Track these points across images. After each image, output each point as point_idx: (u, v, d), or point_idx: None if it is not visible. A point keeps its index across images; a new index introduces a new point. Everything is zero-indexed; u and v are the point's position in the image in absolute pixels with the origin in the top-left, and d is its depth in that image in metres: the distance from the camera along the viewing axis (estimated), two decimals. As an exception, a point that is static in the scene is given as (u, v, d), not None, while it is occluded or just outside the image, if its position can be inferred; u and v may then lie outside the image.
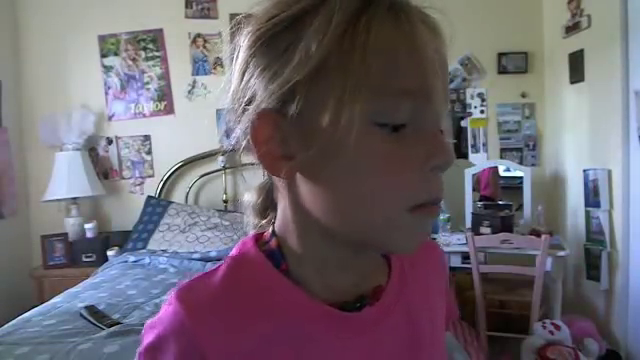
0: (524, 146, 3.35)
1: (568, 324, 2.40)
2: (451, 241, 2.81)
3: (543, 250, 2.45)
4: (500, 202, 3.16)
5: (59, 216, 3.18)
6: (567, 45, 2.91)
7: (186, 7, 3.31)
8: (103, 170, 3.35)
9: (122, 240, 3.06)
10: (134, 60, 3.33)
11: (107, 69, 3.33)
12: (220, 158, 3.25)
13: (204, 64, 3.35)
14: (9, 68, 3.19)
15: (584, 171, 2.74)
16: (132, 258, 2.72)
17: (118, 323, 1.77)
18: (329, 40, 0.42)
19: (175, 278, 2.42)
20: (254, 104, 0.46)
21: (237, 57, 0.48)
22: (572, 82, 2.89)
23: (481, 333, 2.56)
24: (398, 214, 0.45)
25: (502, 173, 3.26)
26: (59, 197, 3.07)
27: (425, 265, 0.59)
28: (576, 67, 2.82)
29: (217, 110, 3.36)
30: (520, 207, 3.04)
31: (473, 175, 3.12)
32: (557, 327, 2.35)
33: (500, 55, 3.29)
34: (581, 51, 2.77)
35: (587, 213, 2.73)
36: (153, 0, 3.31)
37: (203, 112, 3.35)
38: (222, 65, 3.34)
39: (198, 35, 3.33)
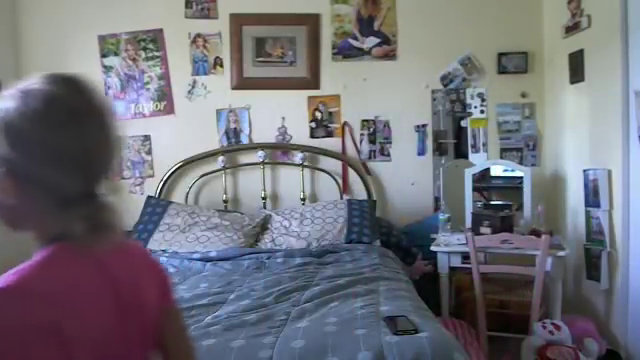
0: (524, 146, 3.35)
1: (568, 324, 2.40)
2: (451, 241, 2.81)
3: (543, 250, 2.45)
4: (500, 202, 3.16)
5: (59, 216, 3.17)
6: (567, 45, 2.91)
7: (186, 7, 3.31)
8: (103, 170, 3.35)
9: (122, 240, 3.05)
10: (134, 60, 3.33)
11: (107, 69, 3.33)
12: (220, 158, 3.25)
13: (204, 64, 3.35)
14: (9, 68, 3.18)
15: (584, 171, 2.74)
16: (132, 258, 2.71)
17: (118, 323, 1.77)
18: None
19: (175, 278, 2.42)
20: None
21: None
22: (572, 82, 2.89)
23: (481, 333, 2.56)
24: None
25: (502, 173, 3.26)
26: (59, 197, 3.07)
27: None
28: (576, 67, 2.82)
29: (217, 110, 3.36)
30: (520, 207, 3.03)
31: (473, 175, 3.12)
32: (557, 327, 2.35)
33: (500, 55, 3.29)
34: (581, 51, 2.77)
35: (587, 213, 2.73)
36: (153, 0, 3.31)
37: (203, 112, 3.35)
38: (222, 65, 3.35)
39: (198, 35, 3.33)
